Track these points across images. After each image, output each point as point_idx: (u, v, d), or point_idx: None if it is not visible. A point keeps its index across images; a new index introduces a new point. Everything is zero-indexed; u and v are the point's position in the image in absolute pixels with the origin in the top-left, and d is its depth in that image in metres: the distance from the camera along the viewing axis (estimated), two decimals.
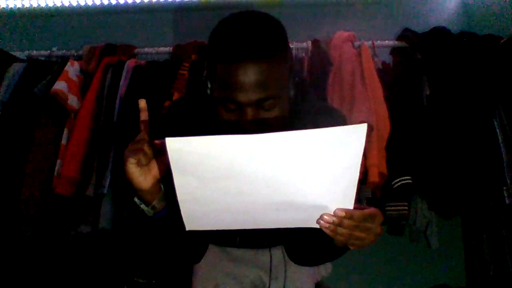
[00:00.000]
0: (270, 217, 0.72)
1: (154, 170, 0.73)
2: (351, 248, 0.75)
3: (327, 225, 0.69)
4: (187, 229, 0.73)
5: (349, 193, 0.67)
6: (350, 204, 0.68)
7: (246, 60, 0.71)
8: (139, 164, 0.71)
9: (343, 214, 0.68)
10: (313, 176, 0.64)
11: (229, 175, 0.64)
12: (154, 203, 0.76)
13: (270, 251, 0.99)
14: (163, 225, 0.80)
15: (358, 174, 0.64)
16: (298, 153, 0.61)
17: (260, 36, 0.73)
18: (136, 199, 0.77)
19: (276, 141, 0.60)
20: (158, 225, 0.80)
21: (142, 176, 0.72)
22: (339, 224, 0.69)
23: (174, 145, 0.61)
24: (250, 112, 0.74)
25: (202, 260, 0.99)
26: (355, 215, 0.68)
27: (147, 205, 0.77)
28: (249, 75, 0.71)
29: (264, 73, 0.72)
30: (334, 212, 0.68)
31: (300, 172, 0.64)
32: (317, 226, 0.71)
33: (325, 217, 0.69)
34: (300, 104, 0.87)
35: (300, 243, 0.94)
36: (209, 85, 0.81)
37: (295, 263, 0.98)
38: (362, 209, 0.70)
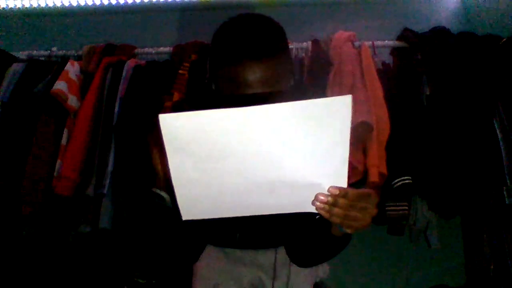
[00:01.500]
0: (266, 201, 0.71)
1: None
2: (348, 231, 0.75)
3: (322, 205, 0.69)
4: (183, 219, 0.72)
5: (342, 171, 0.67)
6: (343, 182, 0.68)
7: (252, 58, 0.74)
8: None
9: (337, 192, 0.68)
10: (304, 151, 0.64)
11: (222, 152, 0.64)
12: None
13: (275, 251, 0.99)
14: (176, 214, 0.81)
15: (348, 150, 0.64)
16: (288, 125, 0.62)
17: (263, 36, 0.77)
18: (155, 189, 0.78)
19: (266, 113, 0.61)
20: (172, 214, 0.80)
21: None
22: (334, 204, 0.68)
23: (168, 121, 0.61)
24: None
25: (202, 260, 1.00)
26: (349, 193, 0.68)
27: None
28: (255, 72, 0.74)
29: (269, 70, 0.75)
30: (328, 190, 0.68)
31: (291, 147, 0.64)
32: (313, 209, 0.71)
33: (320, 197, 0.68)
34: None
35: (301, 241, 0.94)
36: (213, 87, 0.82)
37: (296, 265, 0.98)
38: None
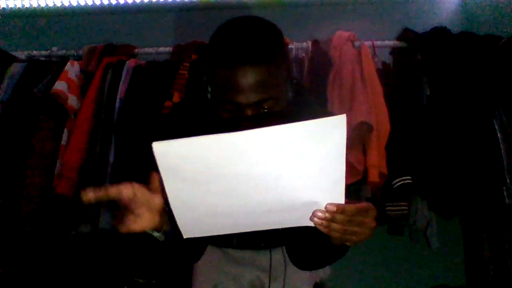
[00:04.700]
0: (264, 219, 0.72)
1: (153, 204, 0.72)
2: (348, 244, 0.75)
3: (320, 221, 0.69)
4: (184, 237, 0.74)
5: (339, 187, 0.66)
6: (341, 198, 0.68)
7: (245, 64, 0.73)
8: (129, 223, 0.71)
9: (334, 209, 0.68)
10: (300, 171, 0.64)
11: (218, 176, 0.64)
12: (164, 227, 0.77)
13: (270, 252, 0.99)
14: (172, 241, 0.81)
15: (344, 166, 0.64)
16: (282, 147, 0.61)
17: (257, 40, 0.76)
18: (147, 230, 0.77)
19: (259, 137, 0.61)
20: (168, 244, 0.81)
21: (143, 222, 0.71)
22: (332, 220, 0.68)
23: (161, 148, 0.62)
24: (249, 113, 0.76)
25: (202, 260, 1.00)
26: (347, 209, 0.68)
27: (158, 231, 0.77)
28: (248, 78, 0.73)
29: (262, 76, 0.74)
30: (325, 207, 0.68)
31: (287, 168, 0.64)
32: (312, 224, 0.71)
33: (318, 213, 0.68)
34: (299, 109, 0.88)
35: (300, 245, 0.94)
36: (209, 89, 0.82)
37: (297, 267, 0.98)
38: (354, 203, 0.70)
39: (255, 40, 0.76)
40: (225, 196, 0.67)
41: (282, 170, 0.64)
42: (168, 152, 0.62)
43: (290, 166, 0.64)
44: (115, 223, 0.72)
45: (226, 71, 0.74)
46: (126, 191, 0.69)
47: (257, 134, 0.60)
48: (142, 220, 0.71)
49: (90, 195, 0.69)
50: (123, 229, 0.70)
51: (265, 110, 0.77)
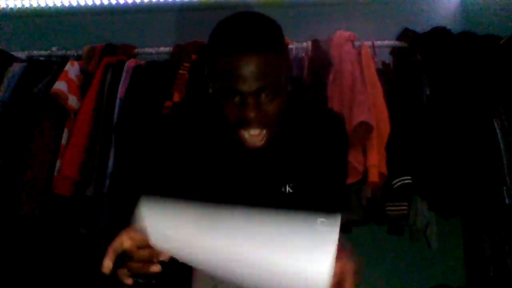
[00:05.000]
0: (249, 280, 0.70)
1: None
2: None
3: None
4: None
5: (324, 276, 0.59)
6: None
7: (246, 52, 0.74)
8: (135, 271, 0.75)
9: None
10: (286, 260, 0.61)
11: (203, 244, 0.67)
12: None
13: None
14: None
15: (331, 266, 0.58)
16: (271, 237, 0.62)
17: (259, 30, 0.77)
18: None
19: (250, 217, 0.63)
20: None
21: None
22: None
23: (150, 215, 0.66)
24: (251, 101, 0.76)
25: None
26: None
27: None
28: (249, 66, 0.74)
29: (263, 64, 0.75)
30: None
31: (273, 254, 0.62)
32: None
33: None
34: (299, 106, 0.88)
35: None
36: (210, 85, 0.82)
37: None
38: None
39: (257, 29, 0.77)
40: (209, 258, 0.69)
41: (268, 254, 0.62)
42: (156, 216, 0.66)
43: (277, 254, 0.62)
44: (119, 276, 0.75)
45: (228, 59, 0.75)
46: (126, 243, 0.72)
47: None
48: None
49: (109, 266, 0.75)
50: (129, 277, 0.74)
51: (266, 101, 0.77)
